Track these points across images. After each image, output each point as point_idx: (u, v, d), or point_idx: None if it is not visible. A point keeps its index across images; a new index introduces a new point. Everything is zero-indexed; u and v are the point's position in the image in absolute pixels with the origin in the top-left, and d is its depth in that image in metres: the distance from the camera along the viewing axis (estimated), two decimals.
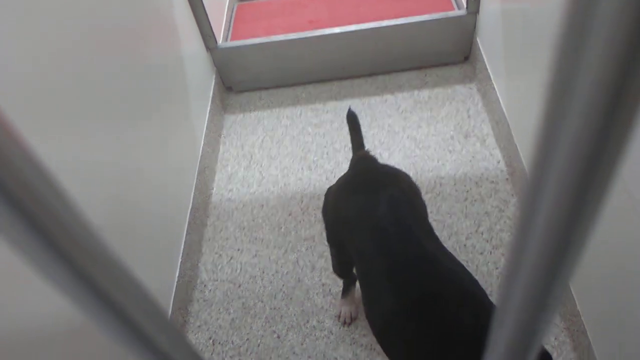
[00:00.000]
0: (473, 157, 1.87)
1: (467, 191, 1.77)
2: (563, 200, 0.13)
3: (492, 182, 1.78)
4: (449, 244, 1.64)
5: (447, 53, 2.20)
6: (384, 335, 0.99)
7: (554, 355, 1.37)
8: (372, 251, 1.01)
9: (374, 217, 1.04)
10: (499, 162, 1.84)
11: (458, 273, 0.95)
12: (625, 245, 1.04)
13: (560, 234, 0.13)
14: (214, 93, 2.14)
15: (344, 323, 1.51)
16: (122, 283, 0.17)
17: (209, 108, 2.06)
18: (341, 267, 1.33)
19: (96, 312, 0.16)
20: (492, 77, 1.92)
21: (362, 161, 1.26)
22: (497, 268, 1.57)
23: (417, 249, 0.98)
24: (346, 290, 1.48)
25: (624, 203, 1.01)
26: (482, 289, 0.95)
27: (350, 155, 1.95)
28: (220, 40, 2.18)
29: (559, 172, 0.13)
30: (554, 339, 1.40)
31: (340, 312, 1.51)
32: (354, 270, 1.26)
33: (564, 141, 0.13)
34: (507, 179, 1.78)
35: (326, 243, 1.33)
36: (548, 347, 1.38)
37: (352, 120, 1.37)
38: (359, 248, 1.06)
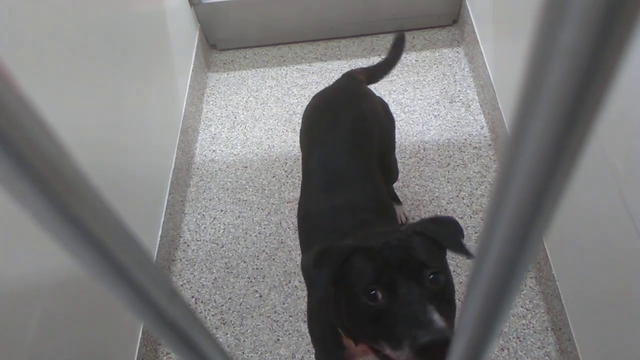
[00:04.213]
0: (457, 122, 1.87)
1: (450, 156, 1.78)
2: (542, 153, 0.13)
3: (475, 147, 1.79)
4: (430, 207, 1.66)
5: (436, 16, 2.17)
6: (303, 221, 1.13)
7: (528, 317, 1.42)
8: (315, 156, 1.13)
9: (328, 126, 1.15)
10: (482, 127, 1.84)
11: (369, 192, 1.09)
12: (600, 213, 1.06)
13: (538, 185, 0.13)
14: (197, 50, 2.08)
15: None
16: (105, 219, 0.17)
17: (192, 65, 2.02)
18: None
19: (77, 245, 0.16)
20: (479, 41, 1.90)
21: (348, 78, 1.33)
22: (476, 232, 1.60)
23: (349, 164, 1.09)
24: None
25: (601, 173, 1.02)
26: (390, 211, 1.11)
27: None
28: None
29: (539, 126, 0.13)
30: (529, 301, 1.44)
31: None
32: None
33: (545, 95, 0.13)
34: (490, 144, 1.80)
35: None
36: (522, 310, 1.43)
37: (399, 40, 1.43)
38: (308, 149, 1.18)
